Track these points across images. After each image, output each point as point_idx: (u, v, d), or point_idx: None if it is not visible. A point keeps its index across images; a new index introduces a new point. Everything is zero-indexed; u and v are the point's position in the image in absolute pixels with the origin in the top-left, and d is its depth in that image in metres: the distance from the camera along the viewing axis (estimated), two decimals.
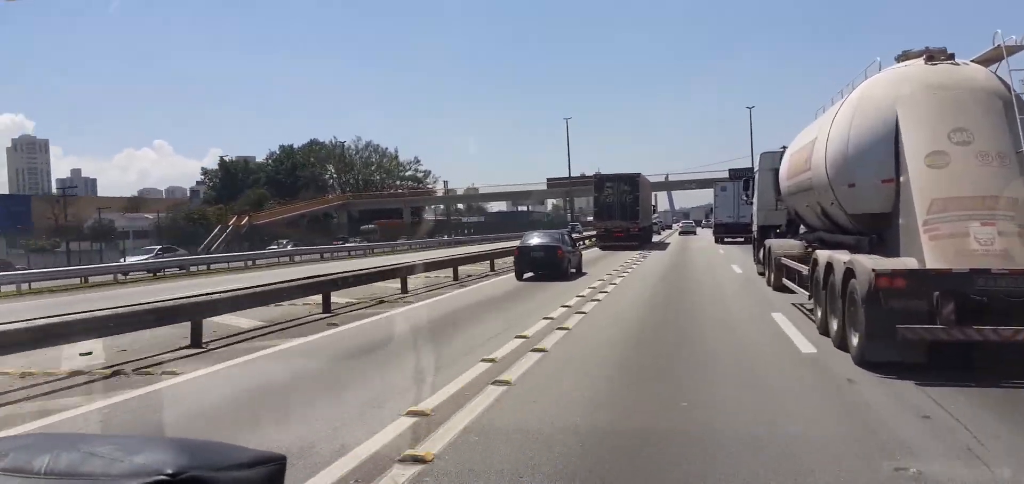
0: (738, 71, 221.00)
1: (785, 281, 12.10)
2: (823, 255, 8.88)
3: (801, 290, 10.65)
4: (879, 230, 8.05)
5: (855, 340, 7.12)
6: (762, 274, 16.13)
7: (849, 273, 7.38)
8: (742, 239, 37.44)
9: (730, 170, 63.94)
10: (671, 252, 33.44)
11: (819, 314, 8.93)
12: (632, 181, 36.24)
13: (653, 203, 49.15)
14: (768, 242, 14.74)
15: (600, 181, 37.00)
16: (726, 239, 39.82)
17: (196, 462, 0.99)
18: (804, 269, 10.23)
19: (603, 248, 35.25)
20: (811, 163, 9.67)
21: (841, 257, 7.95)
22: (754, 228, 18.28)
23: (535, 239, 21.70)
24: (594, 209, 37.75)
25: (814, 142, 9.71)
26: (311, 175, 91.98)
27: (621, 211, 35.39)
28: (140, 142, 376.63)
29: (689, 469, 4.45)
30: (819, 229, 11.13)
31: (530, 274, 20.41)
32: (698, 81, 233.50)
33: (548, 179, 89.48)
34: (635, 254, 30.36)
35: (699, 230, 66.04)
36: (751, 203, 18.79)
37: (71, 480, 0.98)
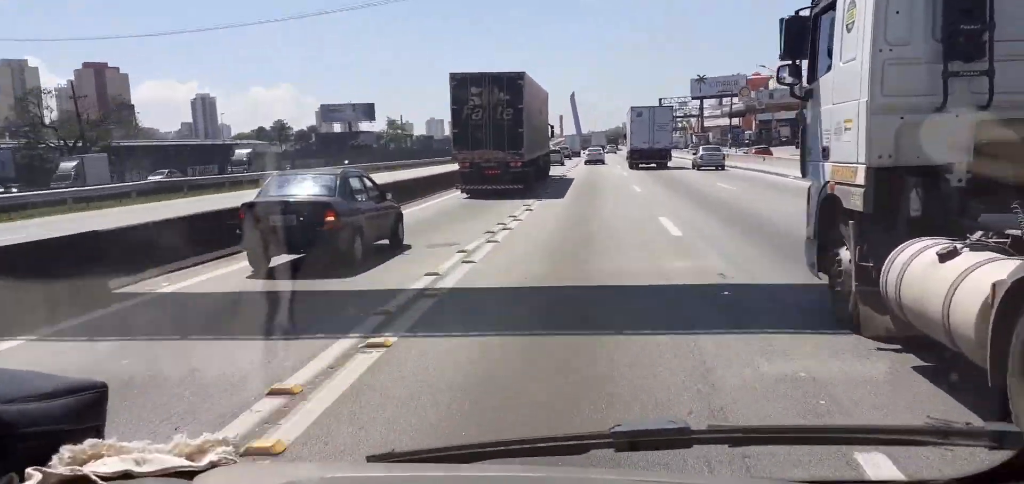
0: None
1: None
2: None
3: None
4: None
5: None
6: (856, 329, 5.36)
7: None
8: (654, 165, 40.11)
9: None
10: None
11: None
12: (512, 85, 23.43)
13: (552, 125, 37.16)
14: None
15: (460, 84, 23.50)
16: (640, 165, 40.38)
17: None
18: None
19: (469, 194, 23.59)
20: None
21: None
22: (823, 167, 5.98)
23: (287, 187, 10.29)
24: (452, 130, 24.98)
25: None
26: None
27: (495, 135, 23.01)
28: None
29: None
30: None
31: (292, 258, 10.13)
32: None
33: None
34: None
35: (608, 157, 64.57)
36: (803, 91, 6.43)
37: None
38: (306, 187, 10.20)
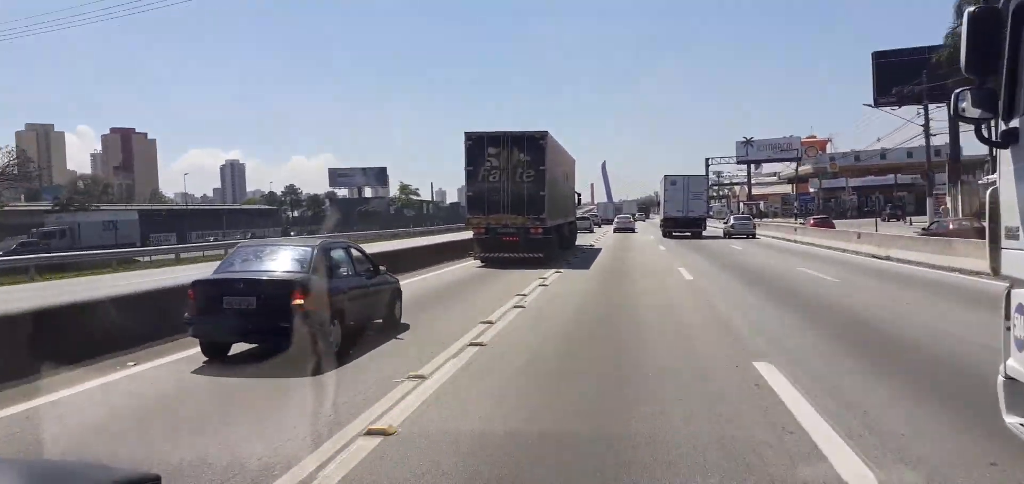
0: None
1: None
2: None
3: None
4: None
5: None
6: None
7: None
8: (689, 234, 39.00)
9: None
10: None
11: None
12: (533, 145, 21.30)
13: (580, 193, 34.94)
14: None
15: (476, 143, 21.49)
16: (674, 233, 39.20)
17: None
18: None
19: (484, 262, 21.73)
20: None
21: None
22: None
23: (252, 262, 8.54)
24: (467, 193, 22.92)
25: None
26: None
27: (514, 199, 21.09)
28: None
29: None
30: None
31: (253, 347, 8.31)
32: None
33: None
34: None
35: (639, 225, 63.59)
36: (999, 133, 3.66)
37: None
38: (274, 262, 8.39)
